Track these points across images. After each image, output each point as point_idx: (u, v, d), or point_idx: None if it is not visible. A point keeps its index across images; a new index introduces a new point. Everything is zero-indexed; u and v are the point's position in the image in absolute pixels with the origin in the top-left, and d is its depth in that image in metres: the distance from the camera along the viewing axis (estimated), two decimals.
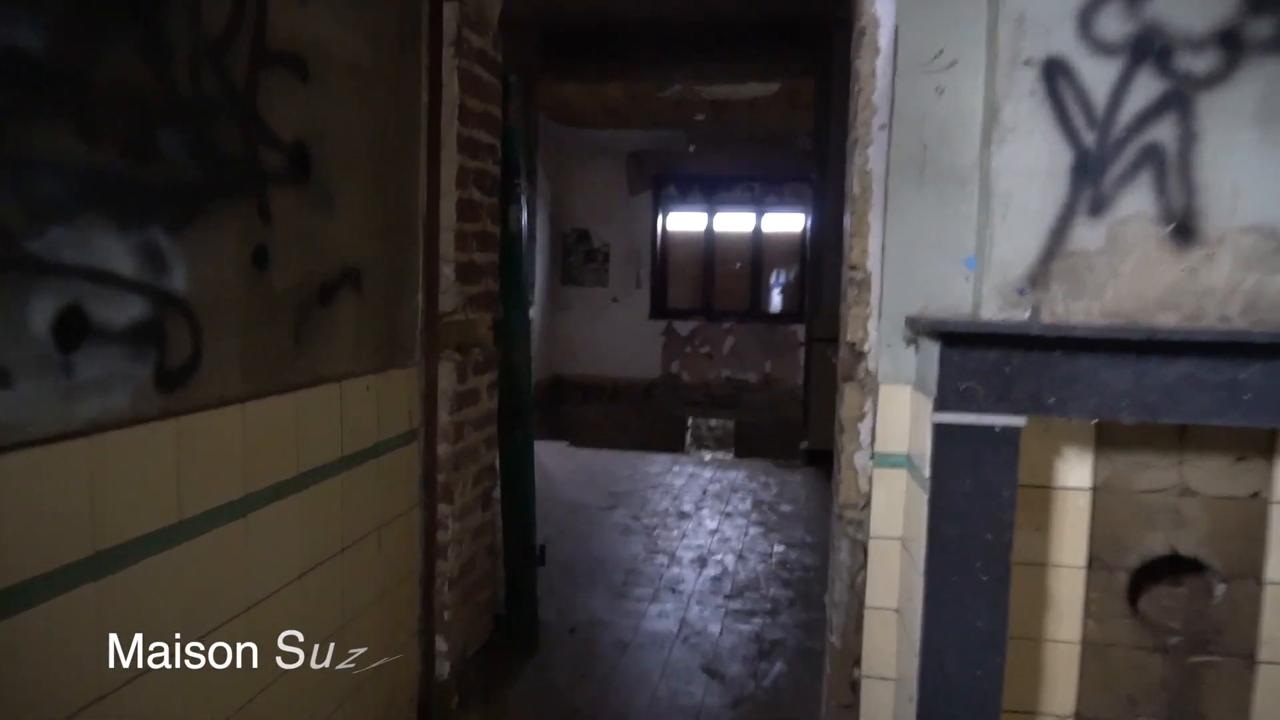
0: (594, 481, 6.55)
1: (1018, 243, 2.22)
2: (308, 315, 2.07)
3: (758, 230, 10.98)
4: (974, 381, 2.10)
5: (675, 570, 4.73)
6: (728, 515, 5.74)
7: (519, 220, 3.21)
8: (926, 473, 2.14)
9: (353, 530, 2.29)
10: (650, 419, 11.05)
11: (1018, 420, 2.08)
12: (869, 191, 2.43)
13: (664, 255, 11.20)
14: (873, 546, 2.46)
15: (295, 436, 2.01)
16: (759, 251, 11.01)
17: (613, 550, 5.02)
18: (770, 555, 5.02)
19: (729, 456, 7.47)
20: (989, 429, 2.09)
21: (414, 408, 2.61)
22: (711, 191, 10.97)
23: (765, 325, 10.77)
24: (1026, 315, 2.22)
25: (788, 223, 10.99)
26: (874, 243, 2.42)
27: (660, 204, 11.07)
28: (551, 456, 7.40)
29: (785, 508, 5.95)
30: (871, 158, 2.42)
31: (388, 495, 2.47)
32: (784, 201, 10.85)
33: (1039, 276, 2.22)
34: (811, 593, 4.49)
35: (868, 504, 2.47)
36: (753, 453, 10.81)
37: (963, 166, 2.35)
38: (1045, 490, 2.25)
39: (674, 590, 4.44)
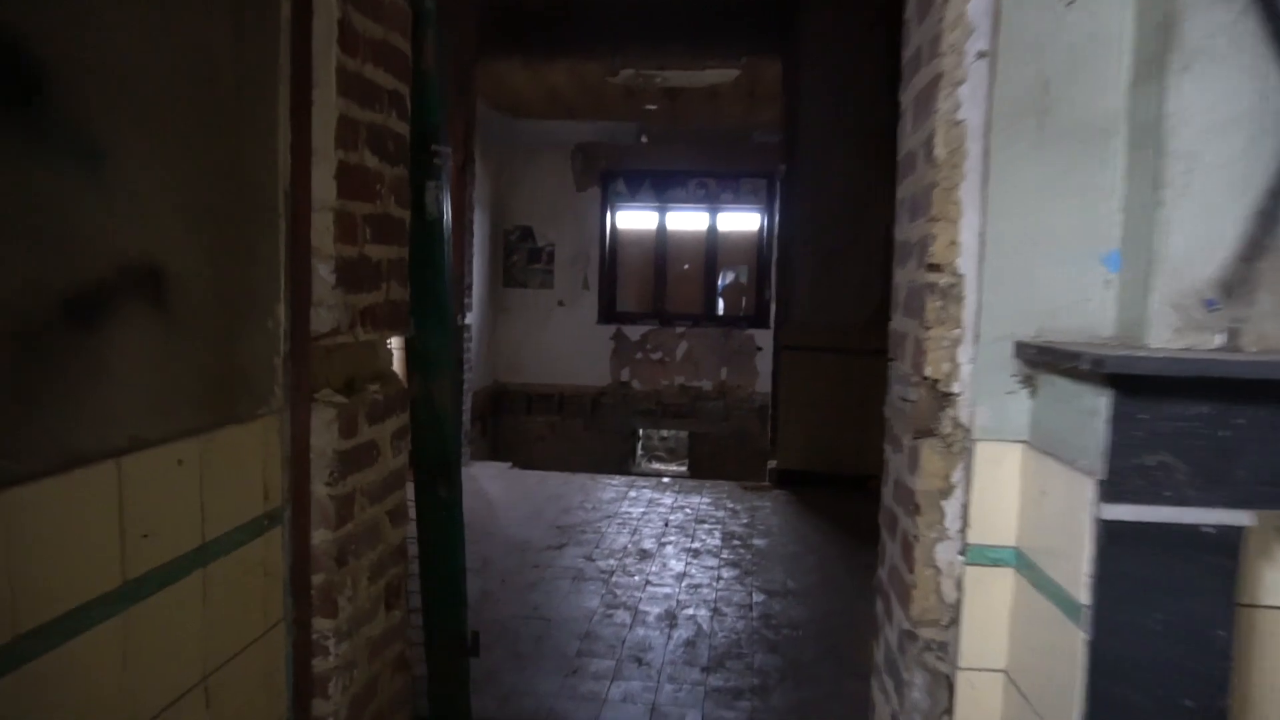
0: (541, 512, 5.65)
1: (1205, 230, 1.40)
2: (39, 347, 1.15)
3: (712, 229, 10.17)
4: (1169, 454, 1.27)
5: (640, 632, 3.85)
6: (695, 554, 4.88)
7: (440, 203, 2.30)
8: (1080, 595, 1.31)
9: (152, 694, 1.37)
10: (599, 431, 10.16)
11: (1242, 517, 1.26)
12: (960, 153, 1.57)
13: (613, 255, 10.32)
14: (962, 682, 1.63)
15: (7, 570, 1.09)
16: (713, 252, 10.20)
17: (564, 605, 4.12)
18: (750, 608, 4.18)
19: (689, 480, 6.61)
20: (1193, 530, 1.27)
21: (272, 479, 1.69)
22: (664, 188, 10.12)
23: (720, 330, 9.97)
24: (1219, 340, 1.40)
25: (743, 221, 10.20)
26: (967, 232, 1.58)
27: (609, 201, 10.19)
28: (492, 481, 6.47)
29: (759, 542, 5.12)
30: (964, 102, 1.57)
31: (224, 622, 1.55)
32: (740, 199, 10.05)
33: (1238, 282, 1.40)
34: (803, 660, 3.66)
35: (955, 620, 1.63)
36: (710, 467, 10.00)
37: (1105, 114, 1.53)
38: (1258, 612, 1.43)
39: (639, 661, 3.57)
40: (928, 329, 1.62)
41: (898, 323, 1.89)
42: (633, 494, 6.16)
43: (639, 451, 10.47)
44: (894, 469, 1.88)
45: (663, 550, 4.92)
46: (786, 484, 6.46)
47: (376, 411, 1.96)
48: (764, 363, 9.81)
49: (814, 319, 6.46)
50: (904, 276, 1.82)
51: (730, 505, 5.92)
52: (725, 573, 4.62)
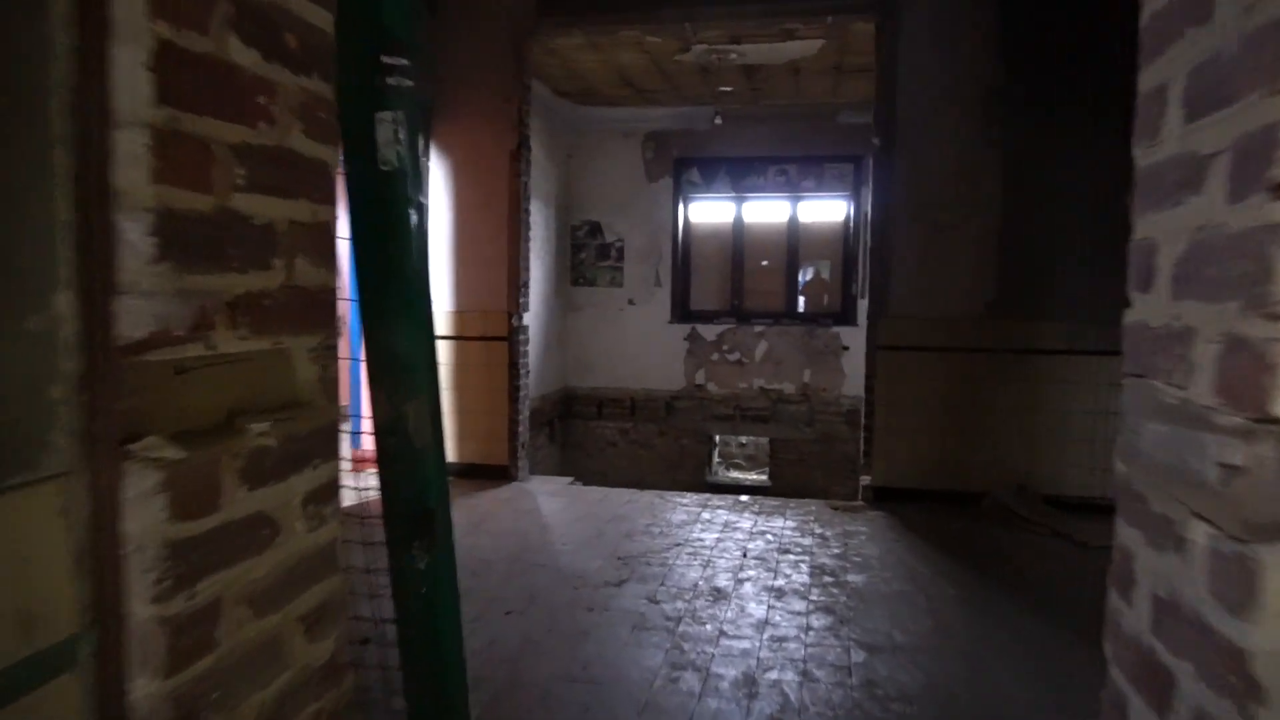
0: (602, 537, 4.88)
1: None
2: None
3: (794, 219, 9.26)
4: None
5: (711, 705, 3.03)
6: (779, 594, 4.04)
7: (404, 146, 1.54)
8: None
9: None
10: (674, 436, 9.36)
11: None
12: None
13: (686, 250, 9.51)
14: None
15: None
16: (795, 244, 9.28)
17: (620, 662, 3.34)
18: (848, 670, 3.31)
19: (770, 499, 5.74)
20: None
21: (54, 592, 0.95)
22: (741, 176, 9.25)
23: (803, 328, 9.05)
24: None
25: (827, 211, 9.25)
26: None
27: (682, 191, 9.38)
28: (550, 499, 5.73)
29: (855, 579, 4.24)
30: None
31: None
32: (824, 186, 9.11)
33: None
34: None
35: None
36: (793, 476, 9.10)
37: None
38: None
39: None
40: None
41: (1154, 310, 1.03)
42: (706, 515, 5.34)
43: (715, 459, 9.63)
44: (1151, 572, 1.02)
45: (739, 589, 4.09)
46: (883, 503, 5.55)
47: (266, 465, 1.20)
48: (851, 363, 8.86)
49: (915, 312, 5.52)
50: (1183, 220, 0.96)
51: (818, 530, 5.05)
52: (816, 620, 3.76)
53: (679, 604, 3.90)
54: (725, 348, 9.19)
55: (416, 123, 1.57)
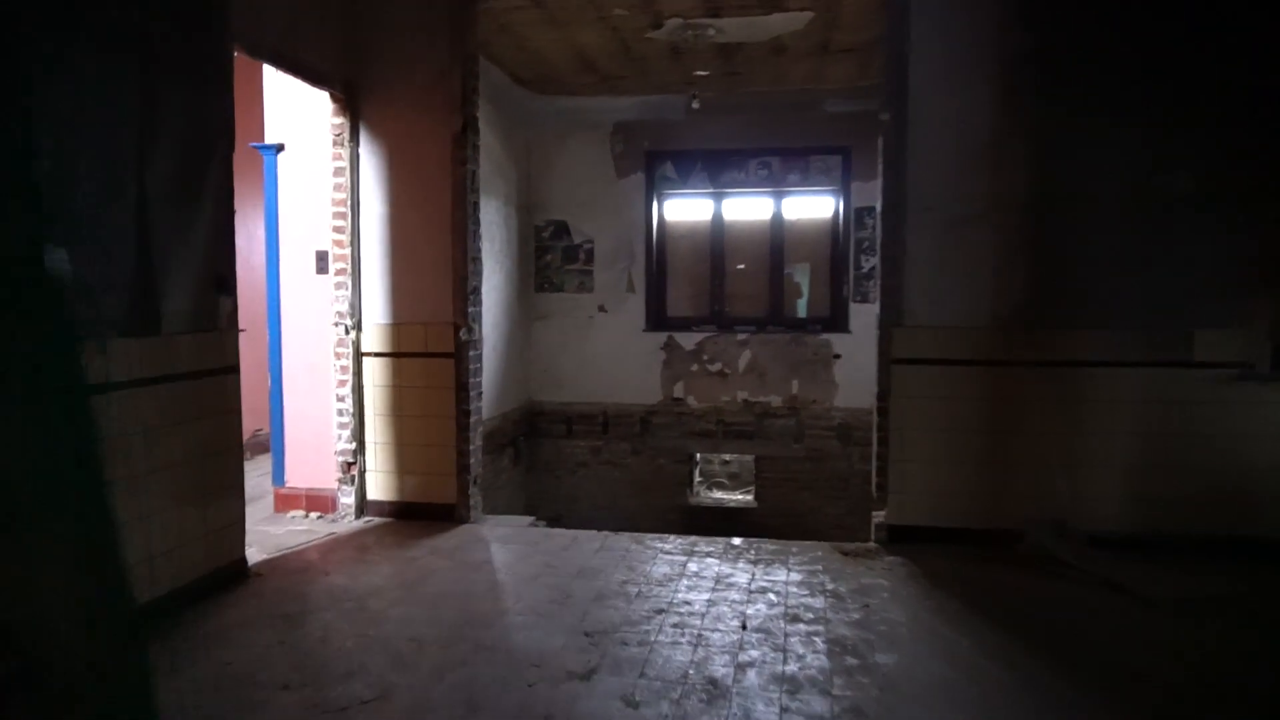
0: (567, 601, 3.88)
1: None
2: None
3: (777, 217, 8.33)
4: None
5: None
6: (793, 687, 3.07)
7: None
8: None
9: None
10: (649, 455, 8.39)
11: None
12: None
13: (661, 252, 8.55)
14: None
15: None
16: (779, 243, 8.35)
17: None
18: None
19: (768, 542, 4.77)
20: None
21: None
22: (719, 170, 8.30)
23: (790, 335, 8.12)
24: None
25: (813, 207, 8.33)
26: None
27: (655, 188, 8.41)
28: (506, 548, 4.72)
29: (884, 660, 3.28)
30: None
31: None
32: (809, 180, 8.19)
33: None
34: None
35: None
36: (781, 496, 8.14)
37: None
38: None
39: None
40: None
41: None
42: (693, 567, 4.36)
43: (696, 478, 8.67)
44: None
45: (742, 680, 3.12)
46: (900, 544, 4.61)
47: None
48: (843, 372, 7.95)
49: (933, 320, 4.59)
50: None
51: (830, 585, 4.09)
52: None
53: (664, 706, 2.91)
54: (705, 357, 8.23)
55: None
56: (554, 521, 8.49)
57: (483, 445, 7.15)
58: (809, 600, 3.89)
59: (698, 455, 8.55)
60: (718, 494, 8.71)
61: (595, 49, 6.85)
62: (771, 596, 3.94)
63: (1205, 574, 4.13)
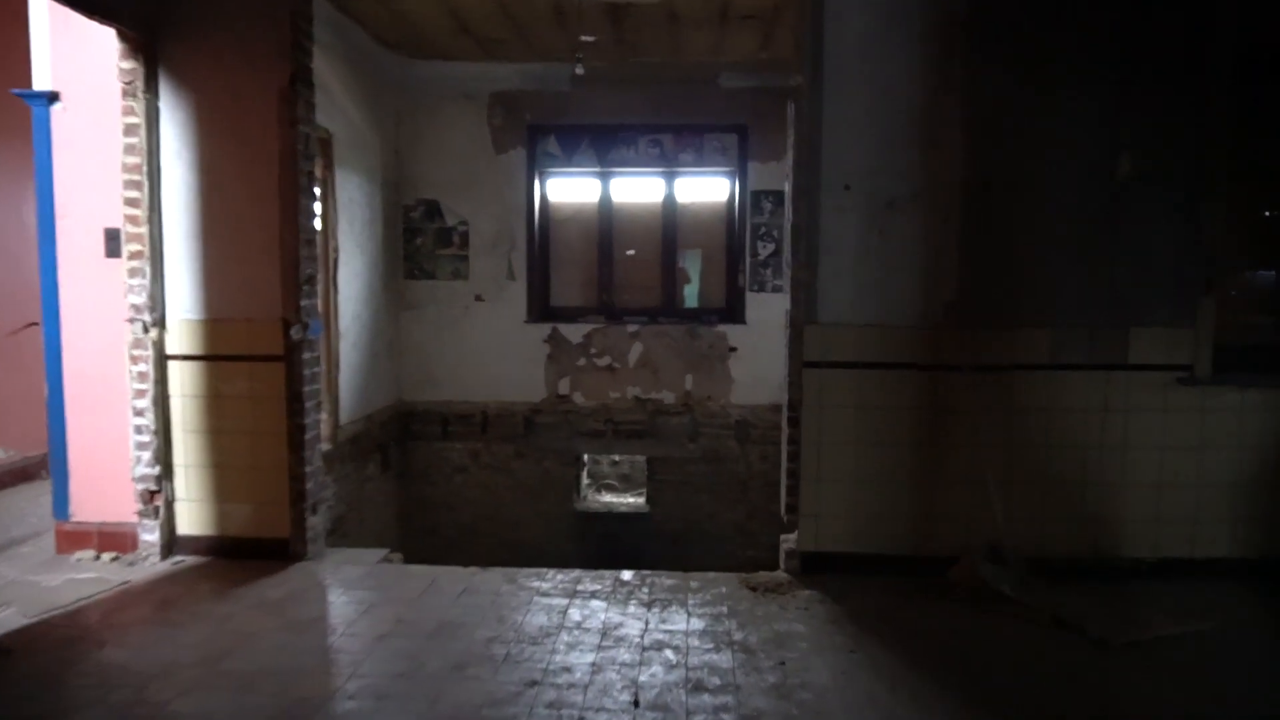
0: (418, 672, 3.02)
1: None
2: None
3: (670, 199, 7.58)
4: None
5: None
6: None
7: None
8: None
9: None
10: (534, 458, 7.54)
11: None
12: None
13: (545, 235, 7.67)
14: None
15: None
16: (672, 228, 7.62)
17: None
18: None
19: (663, 575, 4.02)
20: None
21: None
22: (607, 147, 7.48)
23: (684, 327, 7.41)
24: None
25: (708, 188, 7.63)
26: None
27: (537, 165, 7.52)
28: (348, 596, 3.79)
29: None
30: None
31: None
32: (704, 160, 7.47)
33: None
34: None
35: None
36: (676, 499, 7.42)
37: None
38: None
39: None
40: None
41: None
42: (575, 614, 3.56)
43: (584, 481, 7.89)
44: None
45: None
46: (815, 574, 3.95)
47: None
48: (740, 367, 7.30)
49: (854, 318, 3.93)
50: None
51: (738, 636, 3.37)
52: None
53: None
54: (593, 351, 7.43)
55: None
56: (428, 535, 7.56)
57: (346, 452, 6.16)
58: (714, 658, 3.16)
59: (586, 456, 7.77)
60: (608, 497, 7.94)
61: (468, 7, 5.91)
62: (669, 654, 3.19)
63: (1156, 603, 3.64)
